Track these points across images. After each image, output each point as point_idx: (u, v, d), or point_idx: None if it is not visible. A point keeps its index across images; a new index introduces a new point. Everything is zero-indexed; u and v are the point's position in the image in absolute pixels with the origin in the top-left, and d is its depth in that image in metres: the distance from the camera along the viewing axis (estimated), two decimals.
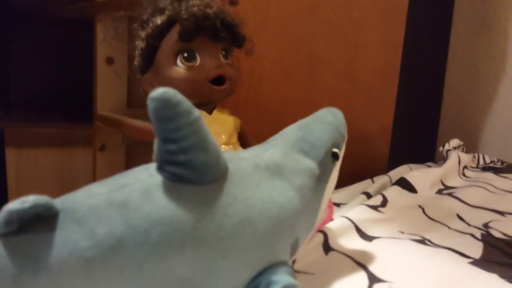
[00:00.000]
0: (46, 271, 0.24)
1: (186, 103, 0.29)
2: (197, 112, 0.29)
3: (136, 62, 0.53)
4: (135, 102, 0.93)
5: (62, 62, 1.20)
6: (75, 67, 1.17)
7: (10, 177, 0.97)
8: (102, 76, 0.86)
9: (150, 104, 0.28)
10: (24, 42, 1.20)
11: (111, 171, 0.91)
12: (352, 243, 0.47)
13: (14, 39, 1.20)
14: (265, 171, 0.35)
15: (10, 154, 0.98)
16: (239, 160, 0.35)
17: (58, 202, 0.26)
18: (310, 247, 0.44)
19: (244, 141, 0.55)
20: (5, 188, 0.98)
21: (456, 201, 0.64)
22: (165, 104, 0.27)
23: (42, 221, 0.25)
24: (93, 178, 0.89)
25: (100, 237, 0.25)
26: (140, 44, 0.52)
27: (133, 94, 0.92)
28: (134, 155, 0.97)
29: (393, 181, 0.70)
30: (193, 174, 0.29)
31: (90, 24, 0.88)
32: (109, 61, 0.86)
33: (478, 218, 0.57)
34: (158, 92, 0.28)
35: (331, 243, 0.46)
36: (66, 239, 0.25)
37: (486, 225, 0.55)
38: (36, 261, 0.24)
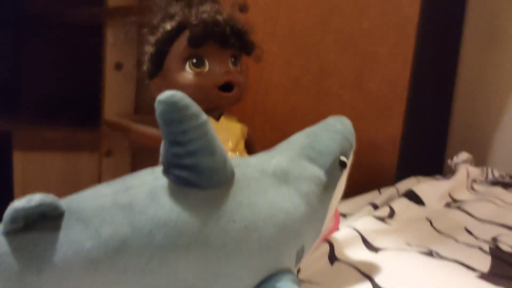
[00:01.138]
0: (50, 270, 0.23)
1: (194, 107, 0.28)
2: (204, 116, 0.29)
3: (145, 67, 0.53)
4: (142, 108, 0.93)
5: (71, 67, 1.21)
6: (83, 72, 1.18)
7: (16, 180, 0.97)
8: (111, 81, 0.87)
9: (158, 107, 0.28)
10: (34, 46, 1.21)
11: (117, 176, 0.91)
12: (358, 254, 0.47)
13: (24, 43, 1.22)
14: (271, 177, 0.34)
15: (17, 157, 0.98)
16: (245, 166, 0.34)
17: (64, 202, 0.26)
18: (316, 257, 0.44)
19: (251, 148, 0.55)
20: (11, 191, 0.98)
21: (464, 214, 0.63)
22: (173, 107, 0.27)
23: (48, 220, 0.25)
24: (99, 182, 0.89)
25: (104, 238, 0.25)
26: (149, 49, 0.52)
27: (140, 100, 0.92)
28: (139, 161, 0.97)
29: (401, 193, 0.70)
30: (199, 178, 0.29)
31: (99, 30, 0.89)
32: (118, 66, 0.87)
33: (486, 231, 0.57)
34: (166, 95, 0.28)
35: (337, 253, 0.45)
36: (71, 239, 0.24)
37: (494, 239, 0.54)
38: (40, 260, 0.23)
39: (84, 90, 1.14)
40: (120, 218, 0.26)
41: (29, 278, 0.23)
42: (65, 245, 0.24)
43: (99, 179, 0.90)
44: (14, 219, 0.24)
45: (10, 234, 0.24)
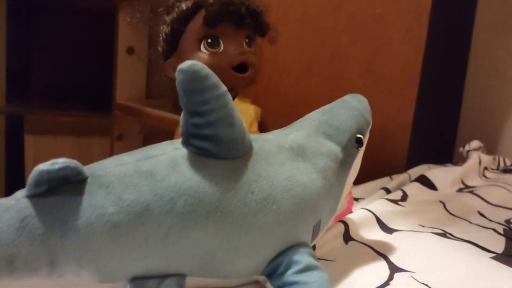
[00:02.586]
0: (74, 233, 0.24)
1: (214, 77, 0.28)
2: (224, 87, 0.29)
3: (159, 47, 0.53)
4: (153, 92, 0.93)
5: (82, 52, 1.22)
6: (94, 57, 1.18)
7: (27, 164, 0.98)
8: (122, 65, 0.87)
9: (178, 76, 0.28)
10: (45, 31, 1.22)
11: None
12: (372, 234, 0.46)
13: (36, 28, 1.22)
14: (289, 152, 0.34)
15: (29, 141, 0.99)
16: (263, 141, 0.34)
17: (87, 169, 0.26)
18: (330, 237, 0.44)
19: (264, 130, 0.55)
20: (23, 174, 0.99)
21: (477, 198, 0.62)
22: (194, 76, 0.27)
23: (71, 184, 0.25)
24: None
25: (127, 203, 0.25)
26: (164, 29, 0.52)
27: (152, 84, 0.92)
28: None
29: (412, 179, 0.69)
30: (218, 149, 0.29)
31: (110, 15, 0.89)
32: (130, 51, 0.87)
33: (499, 215, 0.56)
34: (187, 64, 0.28)
35: (352, 234, 0.45)
36: (94, 203, 0.25)
37: (508, 221, 0.54)
38: (64, 223, 0.24)
39: (96, 75, 1.14)
40: (142, 185, 0.26)
41: (53, 240, 0.23)
42: (88, 209, 0.24)
43: None
44: (38, 182, 0.24)
45: (34, 197, 0.24)
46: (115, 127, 0.90)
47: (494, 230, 0.50)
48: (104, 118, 0.96)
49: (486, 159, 0.84)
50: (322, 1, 0.71)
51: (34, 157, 0.99)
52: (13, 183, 1.10)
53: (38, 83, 1.21)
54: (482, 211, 0.57)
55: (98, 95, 1.08)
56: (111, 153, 0.91)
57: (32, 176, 0.24)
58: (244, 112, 0.53)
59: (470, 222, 0.53)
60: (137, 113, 0.81)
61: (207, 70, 0.28)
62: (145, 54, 0.87)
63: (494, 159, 0.89)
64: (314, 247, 0.42)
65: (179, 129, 0.53)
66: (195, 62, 0.28)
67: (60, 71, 1.21)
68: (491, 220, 0.54)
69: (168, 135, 0.61)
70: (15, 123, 1.11)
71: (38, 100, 1.14)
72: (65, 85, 1.21)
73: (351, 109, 0.39)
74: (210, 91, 0.28)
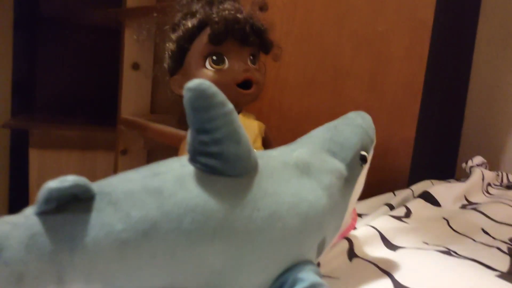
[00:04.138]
0: (82, 250, 0.24)
1: (221, 95, 0.29)
2: (230, 104, 0.30)
3: (165, 64, 0.54)
4: (158, 107, 0.94)
5: (87, 67, 1.23)
6: (99, 72, 1.20)
7: (32, 177, 0.98)
8: (127, 81, 0.88)
9: (186, 94, 0.28)
10: (51, 46, 1.23)
11: None
12: (376, 251, 0.46)
13: (41, 43, 1.24)
14: (294, 168, 0.35)
15: (34, 155, 1.00)
16: (268, 158, 0.35)
17: (95, 185, 0.26)
18: (335, 254, 0.44)
19: (268, 146, 0.56)
20: (27, 188, 0.99)
21: (481, 215, 0.62)
22: (201, 94, 0.28)
23: (79, 202, 0.25)
24: None
25: (135, 220, 0.25)
26: (170, 46, 0.53)
27: (156, 100, 0.93)
28: (154, 160, 0.97)
29: (416, 195, 0.69)
30: (225, 166, 0.29)
31: (116, 30, 0.90)
32: (135, 66, 0.88)
33: (503, 232, 0.56)
34: (195, 82, 0.28)
35: (356, 250, 0.45)
36: (102, 220, 0.25)
37: None
38: (73, 240, 0.24)
39: (101, 90, 1.15)
40: (149, 202, 0.26)
41: (62, 257, 0.24)
42: (96, 227, 0.25)
43: None
44: (47, 199, 0.24)
45: (43, 214, 0.24)
46: (120, 141, 0.90)
47: (499, 248, 0.50)
48: (108, 133, 0.97)
49: (489, 175, 0.84)
50: (325, 19, 0.73)
51: (39, 170, 1.00)
52: (18, 197, 1.10)
53: (43, 97, 1.22)
54: (486, 229, 0.57)
55: (103, 109, 1.09)
56: (116, 167, 0.91)
57: (41, 193, 0.24)
58: (248, 127, 0.53)
59: (474, 240, 0.53)
60: (141, 128, 0.81)
61: (214, 89, 0.28)
62: (150, 69, 0.88)
63: (497, 175, 0.89)
64: (318, 264, 0.42)
65: (184, 145, 0.54)
66: (203, 81, 0.28)
67: (65, 85, 1.22)
68: (495, 238, 0.54)
69: (172, 150, 0.62)
70: (20, 137, 1.11)
71: (43, 114, 1.15)
72: (70, 99, 1.22)
73: (355, 126, 0.39)
74: (217, 108, 0.28)
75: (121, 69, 0.87)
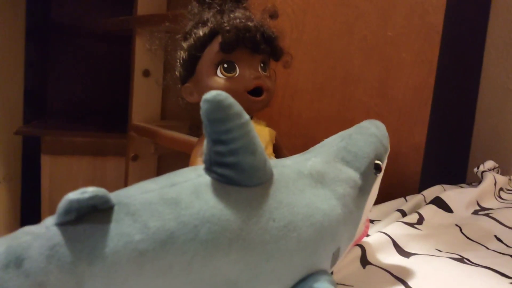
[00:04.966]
0: (101, 261, 0.24)
1: (237, 106, 0.29)
2: (246, 115, 0.30)
3: (177, 72, 0.55)
4: (168, 114, 0.95)
5: (98, 74, 1.24)
6: (110, 79, 1.21)
7: (44, 183, 0.99)
8: (138, 88, 0.89)
9: (203, 106, 0.28)
10: (63, 54, 1.25)
11: (142, 180, 0.93)
12: (389, 258, 0.46)
13: (53, 51, 1.25)
14: (308, 178, 0.35)
15: (45, 161, 1.01)
16: (282, 167, 0.35)
17: (113, 196, 0.27)
18: (348, 261, 0.44)
19: (279, 152, 0.56)
20: (39, 194, 1.00)
21: (494, 222, 0.62)
22: (218, 106, 0.28)
23: (98, 213, 0.25)
24: (125, 186, 0.91)
25: (152, 231, 0.26)
26: (181, 54, 0.53)
27: (167, 106, 0.94)
28: (165, 166, 0.98)
29: (427, 200, 0.69)
30: (240, 176, 0.30)
31: (127, 38, 0.91)
32: (146, 73, 0.88)
33: None
34: (211, 94, 0.28)
35: (369, 257, 0.45)
36: (121, 231, 0.25)
37: None
38: (92, 251, 0.24)
39: (112, 96, 1.17)
40: (166, 212, 0.27)
41: (81, 268, 0.24)
42: (115, 237, 0.25)
43: (125, 184, 0.92)
44: (67, 210, 0.24)
45: (63, 225, 0.25)
46: (131, 147, 0.91)
47: None
48: (119, 139, 0.98)
49: (501, 179, 0.83)
50: (334, 25, 0.73)
51: (50, 176, 1.01)
52: (30, 202, 1.11)
53: (55, 104, 1.23)
54: (499, 235, 0.57)
55: (114, 116, 1.10)
56: (126, 173, 0.92)
57: (61, 204, 0.24)
58: (259, 134, 0.53)
59: (487, 248, 0.52)
60: (152, 134, 0.82)
61: (231, 100, 0.29)
62: (160, 76, 0.88)
63: (510, 179, 0.89)
64: (331, 273, 0.42)
65: (196, 152, 0.54)
66: (219, 92, 0.28)
67: (76, 92, 1.24)
68: (508, 246, 0.53)
69: (183, 156, 0.62)
70: (32, 144, 1.13)
71: (54, 121, 1.16)
72: (81, 106, 1.24)
73: (369, 135, 0.39)
74: (233, 120, 0.29)
75: (132, 76, 0.88)
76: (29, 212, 1.12)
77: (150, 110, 0.91)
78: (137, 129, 0.88)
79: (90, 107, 1.25)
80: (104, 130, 1.09)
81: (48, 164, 1.01)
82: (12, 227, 1.09)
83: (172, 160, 0.97)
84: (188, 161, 0.55)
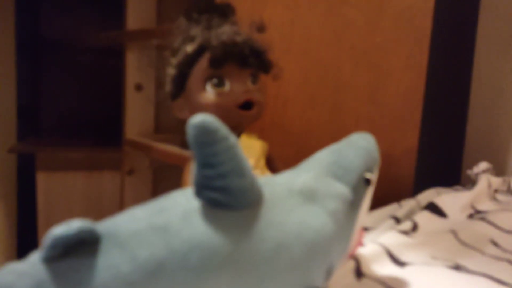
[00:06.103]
0: None
1: (223, 130, 0.29)
2: (233, 138, 0.30)
3: (167, 89, 0.55)
4: (162, 127, 0.95)
5: (91, 89, 1.24)
6: (103, 93, 1.21)
7: (39, 200, 0.99)
8: (131, 102, 0.89)
9: (190, 131, 0.29)
10: (54, 69, 1.25)
11: (138, 194, 0.93)
12: (384, 268, 0.46)
13: (44, 66, 1.25)
14: (299, 196, 0.35)
15: (41, 178, 1.00)
16: (272, 185, 0.35)
17: (100, 227, 0.27)
18: (342, 273, 0.44)
19: (271, 165, 0.56)
20: (34, 210, 1.00)
21: (489, 225, 0.62)
22: (204, 130, 0.28)
23: (85, 245, 0.25)
24: (120, 201, 0.91)
25: (141, 261, 0.25)
26: (171, 71, 0.53)
27: (160, 119, 0.94)
28: (160, 179, 0.98)
29: (421, 205, 0.69)
30: (229, 199, 0.30)
31: (118, 52, 0.91)
32: (138, 87, 0.88)
33: None
34: (197, 119, 0.28)
35: (363, 269, 0.45)
36: (109, 263, 0.25)
37: None
38: (79, 286, 0.24)
39: (106, 111, 1.16)
40: (155, 240, 0.26)
41: None
42: (103, 270, 0.25)
43: (121, 198, 0.91)
44: (53, 246, 0.24)
45: (49, 260, 0.25)
46: (126, 162, 0.91)
47: (509, 261, 0.50)
48: (114, 153, 0.98)
49: (496, 181, 0.83)
50: (323, 34, 0.73)
51: (46, 193, 1.01)
52: (26, 220, 1.11)
53: (48, 120, 1.23)
54: (495, 239, 0.57)
55: (108, 130, 1.10)
56: (122, 188, 0.92)
57: (47, 240, 0.24)
58: (251, 147, 0.53)
59: (483, 253, 0.52)
60: (146, 148, 0.82)
61: (217, 123, 0.29)
62: (153, 90, 0.89)
63: (504, 180, 0.89)
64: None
65: (189, 167, 0.54)
66: (205, 117, 0.28)
67: (69, 108, 1.23)
68: (505, 250, 0.54)
69: (176, 169, 0.62)
70: (27, 161, 1.12)
71: (48, 137, 1.16)
72: (75, 121, 1.23)
73: (358, 148, 0.40)
74: (220, 143, 0.29)
75: (125, 90, 0.88)
76: (25, 229, 1.11)
77: (144, 124, 0.91)
78: (131, 144, 0.88)
79: (84, 122, 1.25)
80: (98, 144, 1.09)
81: (43, 181, 1.01)
82: (9, 245, 1.08)
83: (167, 173, 0.97)
84: (182, 176, 0.55)
